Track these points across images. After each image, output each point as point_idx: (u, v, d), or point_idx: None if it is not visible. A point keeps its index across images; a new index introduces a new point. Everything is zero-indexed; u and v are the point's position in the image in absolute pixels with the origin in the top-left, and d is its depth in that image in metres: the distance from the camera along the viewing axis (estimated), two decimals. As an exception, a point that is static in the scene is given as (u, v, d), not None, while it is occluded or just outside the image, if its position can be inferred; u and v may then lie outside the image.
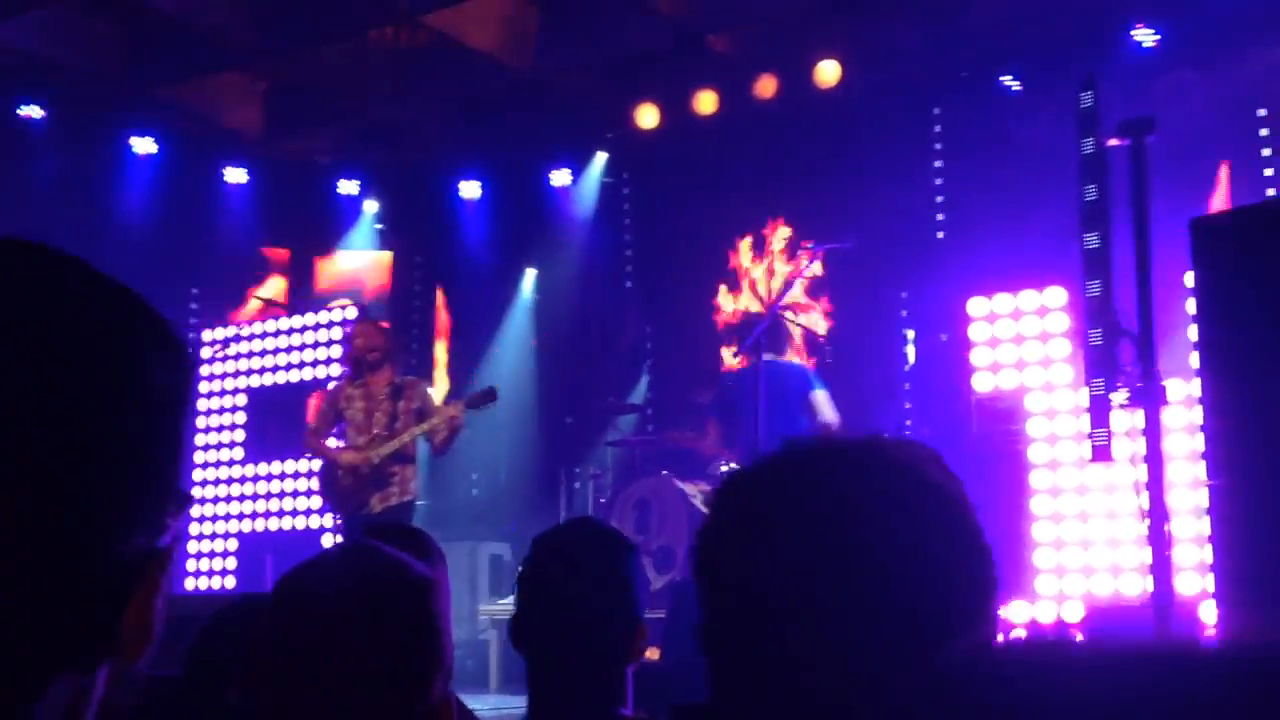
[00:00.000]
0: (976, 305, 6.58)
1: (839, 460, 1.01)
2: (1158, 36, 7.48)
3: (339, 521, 6.62)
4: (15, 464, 0.50)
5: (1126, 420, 5.01)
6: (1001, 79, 7.94)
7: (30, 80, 8.66)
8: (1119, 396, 4.80)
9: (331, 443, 6.48)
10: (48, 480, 0.51)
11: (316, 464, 7.91)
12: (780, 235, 9.13)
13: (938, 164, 8.41)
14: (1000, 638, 0.98)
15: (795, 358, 8.46)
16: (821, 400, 6.73)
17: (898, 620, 0.93)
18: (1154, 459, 4.56)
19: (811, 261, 7.35)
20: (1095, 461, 4.90)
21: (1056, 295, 6.30)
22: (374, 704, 1.41)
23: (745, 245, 9.26)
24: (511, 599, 7.89)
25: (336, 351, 8.09)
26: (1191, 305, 5.18)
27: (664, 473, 7.81)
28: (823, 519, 0.96)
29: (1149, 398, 4.66)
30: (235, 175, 9.75)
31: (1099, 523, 5.75)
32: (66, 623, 0.53)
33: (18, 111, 8.68)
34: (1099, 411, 4.75)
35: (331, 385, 6.72)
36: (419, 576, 1.52)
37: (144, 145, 9.24)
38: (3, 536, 0.50)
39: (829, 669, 0.93)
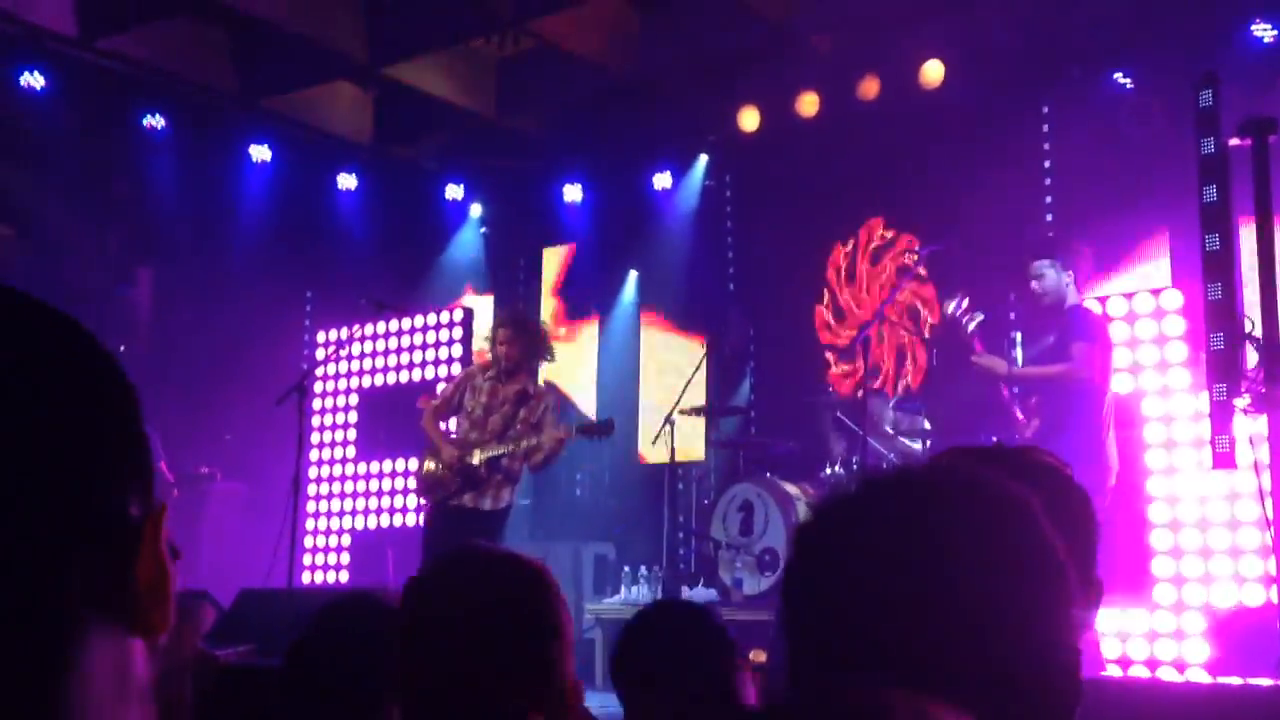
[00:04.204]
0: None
1: (912, 491, 1.01)
2: (1276, 32, 7.28)
3: (422, 505, 6.52)
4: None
5: (1249, 426, 4.90)
6: (1114, 76, 7.79)
7: (152, 91, 8.99)
8: (1241, 402, 4.71)
9: (443, 427, 6.45)
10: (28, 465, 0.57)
11: (416, 463, 8.12)
12: (884, 237, 9.08)
13: (1046, 164, 8.28)
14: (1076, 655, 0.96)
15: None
16: None
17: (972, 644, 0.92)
18: (1278, 466, 4.46)
19: (916, 265, 7.31)
20: (1217, 468, 4.80)
21: (1173, 298, 6.17)
22: (502, 677, 1.47)
23: (847, 249, 9.22)
24: (618, 600, 7.97)
25: (444, 353, 8.25)
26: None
27: (768, 474, 7.83)
28: (895, 552, 0.95)
29: (1273, 403, 4.56)
30: (346, 181, 10.00)
31: (1220, 531, 5.63)
32: (75, 577, 0.58)
33: (142, 122, 9.00)
34: (1221, 417, 4.66)
35: (470, 370, 6.55)
36: (533, 572, 1.59)
37: (260, 153, 9.53)
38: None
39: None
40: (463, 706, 1.48)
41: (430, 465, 6.18)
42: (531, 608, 1.54)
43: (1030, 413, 5.85)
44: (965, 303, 5.91)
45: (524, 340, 6.13)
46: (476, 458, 6.00)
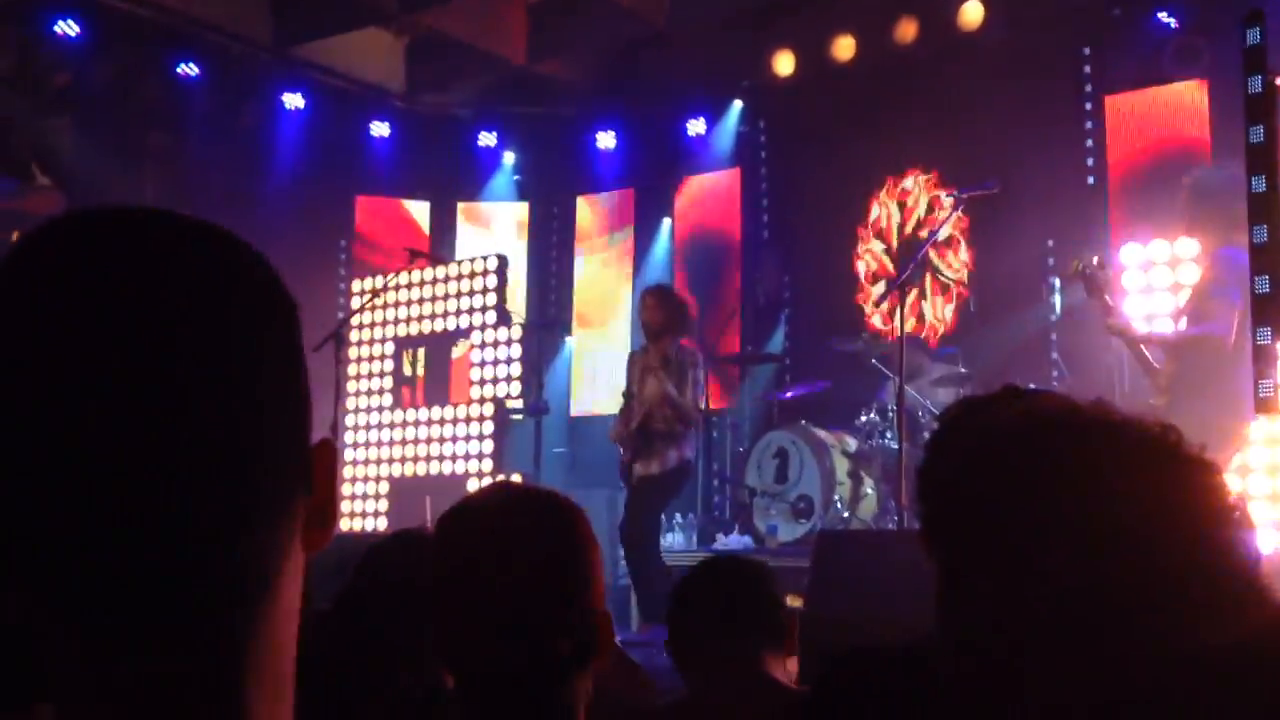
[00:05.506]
0: (1130, 253, 6.39)
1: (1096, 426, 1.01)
2: (1329, -33, 7.08)
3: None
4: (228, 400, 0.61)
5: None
6: (1158, 15, 7.62)
7: (185, 39, 8.98)
8: (1286, 346, 4.63)
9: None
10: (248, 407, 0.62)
11: (454, 411, 8.22)
12: (921, 181, 8.97)
13: (1087, 106, 8.14)
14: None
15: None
16: None
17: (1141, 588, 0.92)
18: (1323, 411, 4.39)
19: (955, 208, 7.22)
20: (1259, 413, 4.74)
21: (1188, 245, 6.06)
22: (533, 601, 1.48)
23: (883, 194, 9.12)
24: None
25: (479, 301, 8.26)
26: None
27: (803, 422, 7.81)
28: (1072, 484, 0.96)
29: (1318, 348, 4.49)
30: (379, 129, 9.98)
31: (1260, 477, 5.56)
32: (281, 477, 0.63)
33: (176, 70, 9.01)
34: (1264, 361, 4.60)
35: (630, 356, 7.05)
36: (564, 502, 1.59)
37: (293, 101, 9.52)
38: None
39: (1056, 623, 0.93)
40: (492, 633, 1.48)
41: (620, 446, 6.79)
42: (556, 539, 1.53)
43: (1169, 360, 5.30)
44: (1096, 259, 5.46)
45: (667, 306, 6.63)
46: (632, 426, 6.56)
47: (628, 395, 6.75)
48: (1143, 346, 5.36)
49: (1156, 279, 6.22)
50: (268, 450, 0.61)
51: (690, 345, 6.81)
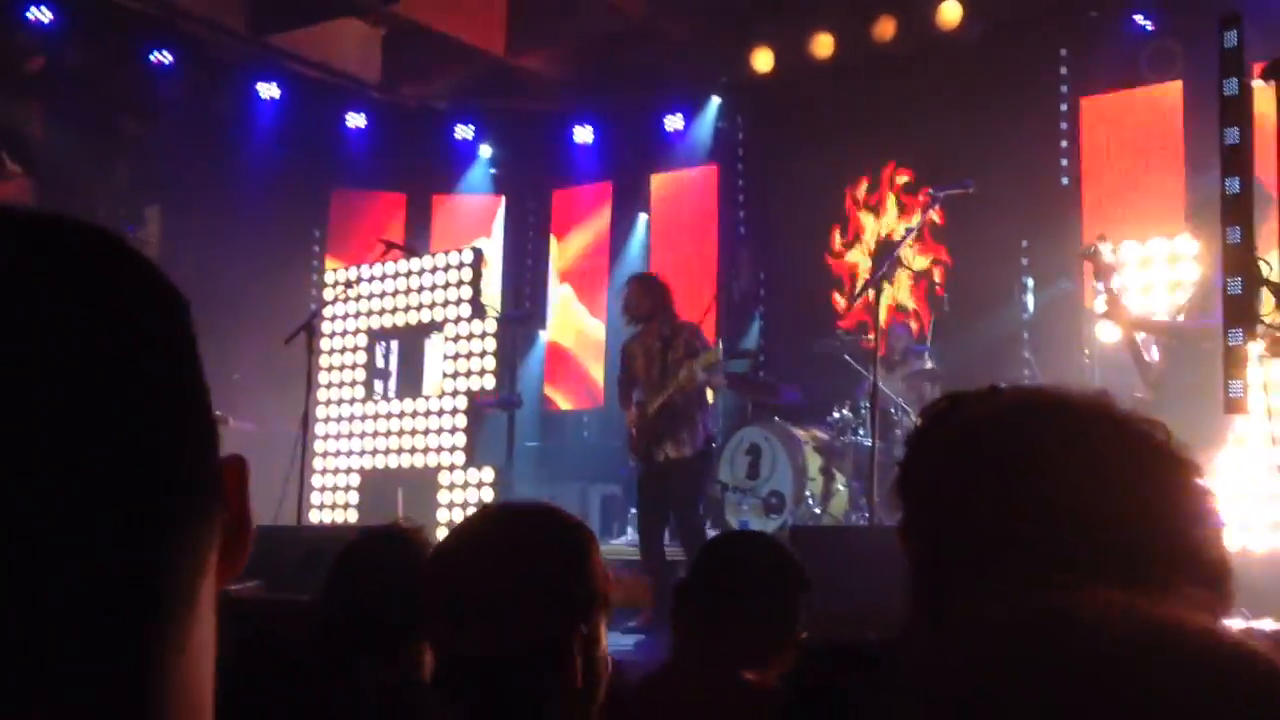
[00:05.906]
0: (1128, 250, 6.41)
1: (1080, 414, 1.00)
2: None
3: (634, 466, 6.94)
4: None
5: (1263, 372, 4.87)
6: (1134, 18, 7.67)
7: (159, 27, 8.89)
8: (1256, 347, 4.67)
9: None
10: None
11: (426, 403, 8.17)
12: (897, 181, 8.99)
13: (1063, 107, 8.18)
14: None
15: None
16: None
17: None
18: (1292, 413, 4.43)
19: (930, 206, 7.23)
20: (1229, 413, 4.77)
21: (1187, 243, 6.11)
22: (529, 596, 1.47)
23: (859, 192, 9.14)
24: (624, 540, 8.01)
25: (454, 294, 8.21)
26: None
27: (776, 419, 7.82)
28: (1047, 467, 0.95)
29: (1288, 349, 4.52)
30: (355, 120, 9.92)
31: (1229, 476, 5.61)
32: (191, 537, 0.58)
33: (150, 58, 8.92)
34: (1235, 362, 4.62)
35: (624, 345, 6.99)
36: (561, 516, 1.58)
37: (268, 91, 9.44)
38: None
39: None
40: (490, 677, 1.47)
41: (632, 430, 6.71)
42: (556, 573, 1.51)
43: (1163, 357, 5.32)
44: (1110, 245, 5.41)
45: (652, 291, 6.73)
46: (651, 409, 6.49)
47: (627, 381, 6.75)
48: (1138, 339, 5.36)
49: (1128, 279, 6.25)
50: (171, 454, 0.58)
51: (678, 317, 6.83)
